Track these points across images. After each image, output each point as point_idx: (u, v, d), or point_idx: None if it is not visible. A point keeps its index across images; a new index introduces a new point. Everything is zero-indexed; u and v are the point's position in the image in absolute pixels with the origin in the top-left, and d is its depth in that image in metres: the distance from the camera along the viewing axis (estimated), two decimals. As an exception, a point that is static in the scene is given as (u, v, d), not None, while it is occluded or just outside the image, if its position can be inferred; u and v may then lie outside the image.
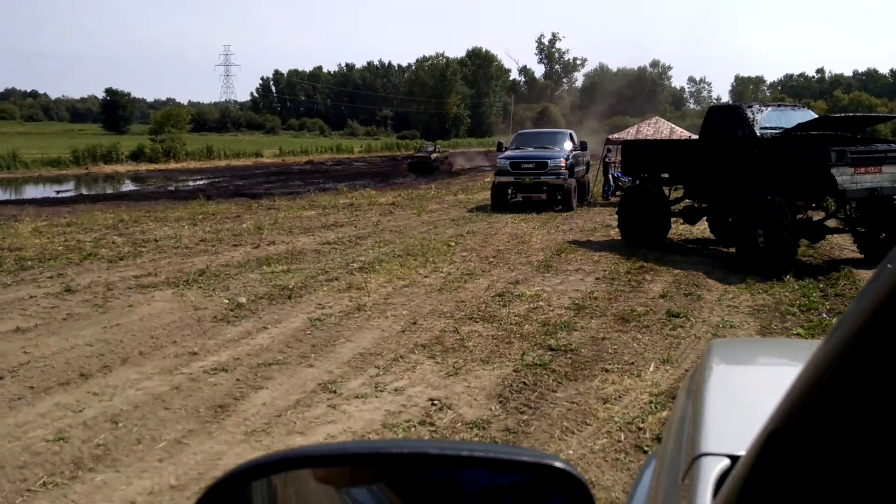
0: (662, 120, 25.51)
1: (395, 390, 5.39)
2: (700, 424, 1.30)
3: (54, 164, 39.87)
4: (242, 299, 8.26)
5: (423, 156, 40.11)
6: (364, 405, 5.10)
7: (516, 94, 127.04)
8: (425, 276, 9.77)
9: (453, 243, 12.66)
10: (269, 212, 18.33)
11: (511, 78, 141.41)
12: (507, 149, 20.54)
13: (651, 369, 5.90)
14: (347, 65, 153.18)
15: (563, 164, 18.45)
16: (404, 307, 8.03)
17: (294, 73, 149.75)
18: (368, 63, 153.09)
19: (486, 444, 4.18)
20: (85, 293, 8.64)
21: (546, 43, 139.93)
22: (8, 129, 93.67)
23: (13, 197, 26.88)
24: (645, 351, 6.45)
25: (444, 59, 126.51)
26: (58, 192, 28.87)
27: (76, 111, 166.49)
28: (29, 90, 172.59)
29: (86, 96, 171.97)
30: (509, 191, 19.22)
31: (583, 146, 20.65)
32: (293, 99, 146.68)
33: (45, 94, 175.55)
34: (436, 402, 5.14)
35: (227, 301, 8.25)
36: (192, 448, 4.34)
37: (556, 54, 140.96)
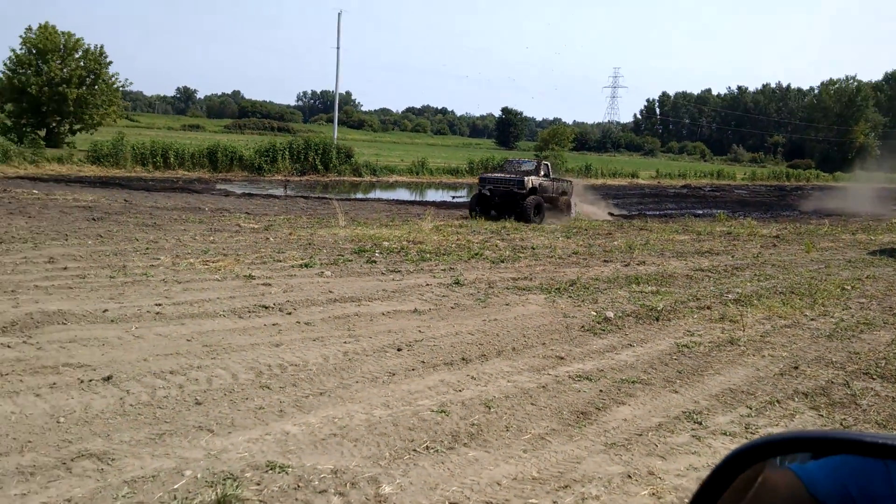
0: None
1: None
2: None
3: (452, 173, 45.05)
4: (610, 314, 8.32)
5: (507, 180, 20.52)
6: (732, 443, 4.73)
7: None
8: (812, 319, 8.75)
9: (849, 287, 11.13)
10: (641, 232, 18.24)
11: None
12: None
13: None
14: (739, 87, 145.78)
15: None
16: (784, 348, 7.29)
17: (681, 96, 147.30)
18: (763, 86, 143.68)
19: None
20: (470, 287, 9.53)
21: None
22: (420, 140, 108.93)
23: (419, 198, 31.02)
24: None
25: (856, 83, 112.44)
26: (453, 197, 32.57)
27: (475, 127, 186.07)
28: (440, 107, 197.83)
29: (484, 114, 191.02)
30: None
31: None
32: (676, 121, 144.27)
33: (452, 111, 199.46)
34: (817, 458, 4.55)
35: (594, 313, 8.39)
36: (554, 447, 4.48)
37: None
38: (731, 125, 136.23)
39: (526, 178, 20.29)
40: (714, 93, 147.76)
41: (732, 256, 14.27)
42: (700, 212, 28.71)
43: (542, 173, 21.33)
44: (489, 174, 22.29)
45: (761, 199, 40.43)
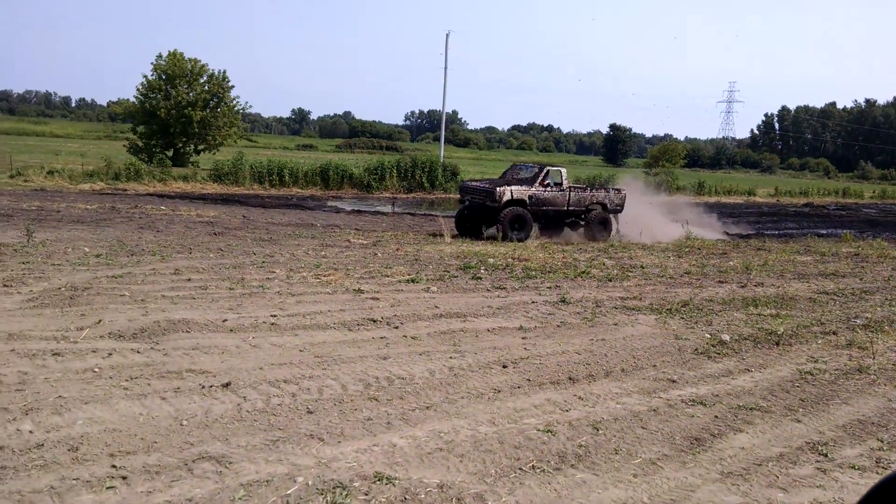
0: None
1: (905, 473, 4.52)
2: None
3: (560, 190, 44.65)
4: (725, 337, 7.96)
5: (480, 190, 18.08)
6: (861, 479, 4.40)
7: None
8: (953, 348, 8.05)
9: None
10: (759, 252, 17.38)
11: None
12: None
13: None
14: (867, 100, 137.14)
15: None
16: (922, 379, 6.73)
17: (802, 110, 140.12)
18: (895, 98, 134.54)
19: None
20: (577, 306, 9.37)
21: None
22: (525, 157, 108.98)
23: (525, 216, 30.92)
24: None
25: None
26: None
27: (581, 144, 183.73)
28: (546, 125, 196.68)
29: (592, 131, 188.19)
30: None
31: None
32: (797, 137, 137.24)
33: (558, 128, 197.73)
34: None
35: (708, 336, 8.06)
36: (666, 473, 4.31)
37: None
38: (858, 140, 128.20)
39: (499, 189, 17.31)
40: (839, 106, 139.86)
41: (861, 279, 13.36)
42: (824, 231, 27.10)
43: (546, 182, 18.16)
44: (468, 182, 19.22)
45: (893, 219, 37.71)
